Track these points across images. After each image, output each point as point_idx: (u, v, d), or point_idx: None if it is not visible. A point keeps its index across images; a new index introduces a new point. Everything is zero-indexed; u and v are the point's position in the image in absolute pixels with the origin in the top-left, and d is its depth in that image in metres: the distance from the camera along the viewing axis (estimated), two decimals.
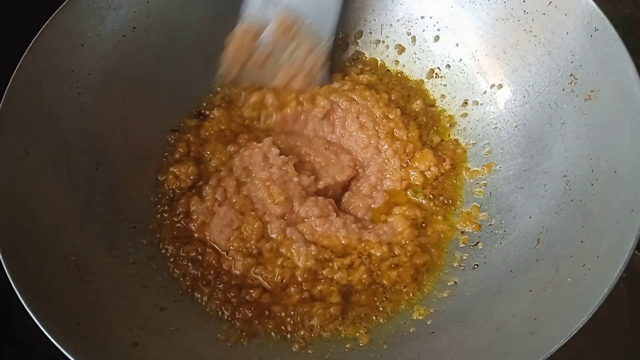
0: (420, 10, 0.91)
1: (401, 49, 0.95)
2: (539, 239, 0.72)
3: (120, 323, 0.68)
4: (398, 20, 0.92)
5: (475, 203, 0.83)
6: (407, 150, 0.87)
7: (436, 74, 0.91)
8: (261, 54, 0.87)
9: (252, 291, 0.77)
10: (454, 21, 0.88)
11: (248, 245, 0.80)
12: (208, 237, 0.81)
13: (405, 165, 0.86)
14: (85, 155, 0.79)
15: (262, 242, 0.80)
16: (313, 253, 0.78)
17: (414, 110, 0.92)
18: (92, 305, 0.68)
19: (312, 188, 0.84)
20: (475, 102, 0.89)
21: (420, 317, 0.74)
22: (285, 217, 0.81)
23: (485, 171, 0.85)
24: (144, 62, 0.87)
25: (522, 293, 0.68)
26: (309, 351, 0.73)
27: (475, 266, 0.77)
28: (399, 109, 0.89)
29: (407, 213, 0.83)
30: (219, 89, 0.92)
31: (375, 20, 0.93)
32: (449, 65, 0.91)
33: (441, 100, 0.92)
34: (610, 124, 0.68)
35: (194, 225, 0.82)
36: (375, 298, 0.77)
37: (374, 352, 0.72)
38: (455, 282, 0.77)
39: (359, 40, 0.95)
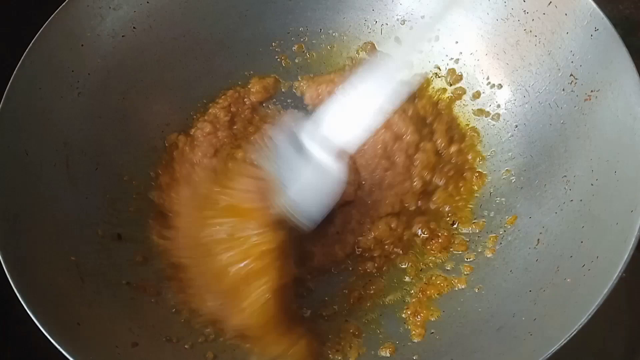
0: (420, 10, 0.90)
1: None
2: (538, 239, 0.72)
3: (120, 323, 0.68)
4: (398, 20, 0.92)
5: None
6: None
7: (436, 73, 0.91)
8: None
9: None
10: (454, 21, 0.88)
11: None
12: None
13: None
14: (85, 155, 0.79)
15: None
16: None
17: None
18: (92, 305, 0.68)
19: None
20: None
21: None
22: None
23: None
24: (144, 62, 0.87)
25: (522, 293, 0.68)
26: None
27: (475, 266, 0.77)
28: None
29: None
30: None
31: (375, 20, 0.93)
32: (448, 65, 0.91)
33: None
34: (610, 124, 0.68)
35: None
36: None
37: None
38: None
39: None
